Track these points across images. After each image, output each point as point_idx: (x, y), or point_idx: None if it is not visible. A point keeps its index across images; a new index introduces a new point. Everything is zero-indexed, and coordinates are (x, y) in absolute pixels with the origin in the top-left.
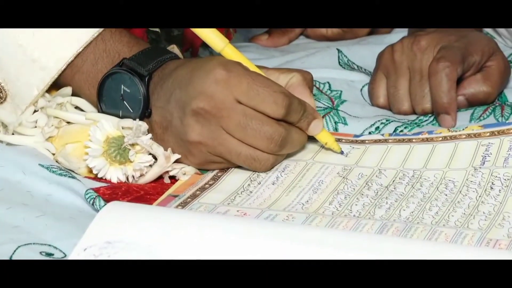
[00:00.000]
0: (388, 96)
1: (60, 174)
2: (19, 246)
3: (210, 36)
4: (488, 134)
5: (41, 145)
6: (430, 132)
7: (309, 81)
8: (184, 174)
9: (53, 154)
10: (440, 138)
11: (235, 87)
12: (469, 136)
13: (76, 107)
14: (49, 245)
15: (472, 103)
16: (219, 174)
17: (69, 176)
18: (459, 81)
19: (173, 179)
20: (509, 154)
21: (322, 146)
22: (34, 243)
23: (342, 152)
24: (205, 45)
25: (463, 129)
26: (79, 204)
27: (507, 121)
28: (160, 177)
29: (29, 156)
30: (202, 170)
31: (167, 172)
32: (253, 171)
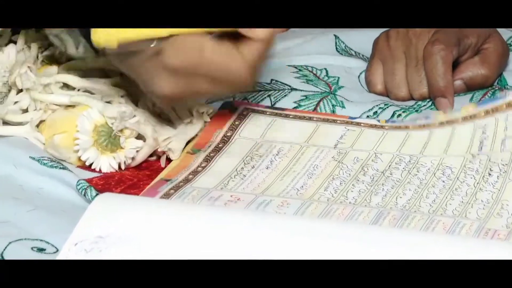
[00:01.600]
0: (385, 83)
1: (51, 166)
2: (10, 242)
3: None
4: (483, 113)
5: (31, 134)
6: (427, 117)
7: None
8: (171, 151)
9: (44, 144)
10: (437, 124)
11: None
12: (465, 119)
13: (64, 84)
14: (41, 240)
15: (470, 87)
16: (211, 155)
17: (60, 168)
18: (456, 64)
19: (168, 160)
20: (506, 135)
21: (317, 127)
22: (25, 239)
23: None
24: None
25: (459, 112)
26: (71, 197)
27: (499, 97)
28: (150, 163)
29: (19, 148)
30: (194, 149)
31: (156, 150)
32: (248, 144)
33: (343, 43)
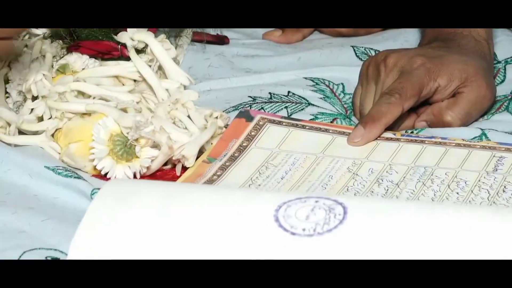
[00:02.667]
0: (360, 107)
1: (66, 176)
2: (24, 252)
3: None
4: (503, 149)
5: (46, 143)
6: (443, 138)
7: None
8: (185, 158)
9: (60, 152)
10: (454, 144)
11: None
12: (483, 147)
13: (79, 92)
14: (55, 249)
15: (435, 127)
16: (227, 164)
17: (75, 177)
18: (426, 103)
19: (183, 169)
20: None
21: (333, 139)
22: (39, 248)
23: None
24: None
25: (477, 141)
26: (86, 206)
27: None
28: (165, 172)
29: (35, 158)
30: (210, 157)
31: (171, 158)
32: (263, 154)
33: (362, 47)
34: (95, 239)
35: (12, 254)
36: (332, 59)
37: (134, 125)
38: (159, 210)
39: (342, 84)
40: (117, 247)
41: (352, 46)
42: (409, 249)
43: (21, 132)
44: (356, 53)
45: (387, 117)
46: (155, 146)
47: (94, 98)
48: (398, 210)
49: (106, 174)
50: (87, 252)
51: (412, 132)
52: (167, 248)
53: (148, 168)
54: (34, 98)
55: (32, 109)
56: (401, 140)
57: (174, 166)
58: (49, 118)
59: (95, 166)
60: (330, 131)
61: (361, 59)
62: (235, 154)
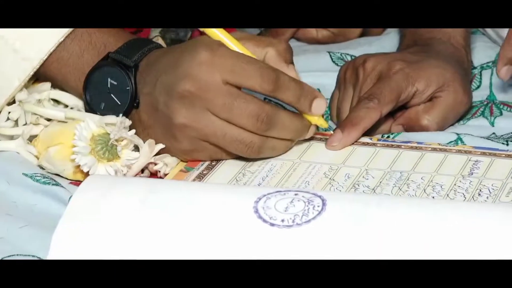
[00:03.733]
0: (337, 110)
1: (44, 183)
2: (2, 258)
3: None
4: (479, 153)
5: (23, 148)
6: (419, 143)
7: (284, 52)
8: (166, 165)
9: (37, 157)
10: (430, 149)
11: (220, 66)
12: (459, 151)
13: (56, 101)
14: (33, 255)
15: (411, 131)
16: (204, 172)
17: (53, 184)
18: (402, 107)
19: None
20: (496, 178)
21: (310, 145)
22: (17, 254)
23: (328, 128)
24: None
25: (453, 145)
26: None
27: (499, 148)
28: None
29: (12, 164)
30: (188, 167)
31: (153, 163)
32: (246, 163)
33: (338, 52)
34: (77, 230)
35: None
36: (308, 65)
37: (118, 123)
38: (141, 202)
39: (318, 89)
40: (99, 239)
41: (328, 52)
42: (386, 238)
43: None
44: (332, 59)
45: (365, 122)
46: (136, 150)
47: (71, 108)
48: (376, 202)
49: (87, 173)
50: (69, 245)
51: (388, 137)
52: (149, 239)
53: (129, 167)
54: (10, 104)
55: (8, 113)
56: (377, 145)
57: (151, 174)
58: (24, 124)
59: (77, 165)
60: (307, 137)
61: (337, 64)
62: (212, 163)
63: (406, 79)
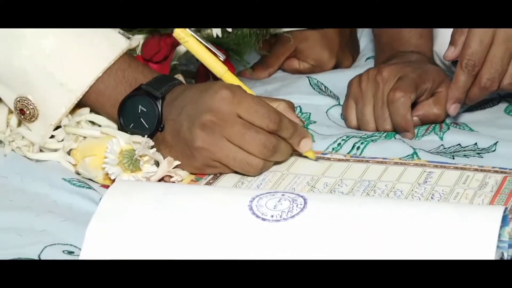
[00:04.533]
0: (358, 120)
1: (80, 186)
2: (45, 246)
3: (213, 64)
4: (432, 166)
5: (63, 158)
6: (384, 158)
7: (292, 107)
8: (179, 175)
9: (74, 165)
10: (392, 162)
11: (238, 104)
12: (416, 164)
13: (92, 122)
14: (71, 244)
15: (425, 122)
16: (210, 182)
17: (87, 187)
18: (415, 104)
19: None
20: (446, 185)
21: (296, 160)
22: (58, 243)
23: (316, 159)
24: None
25: (411, 159)
26: (95, 211)
27: (448, 162)
28: None
29: (54, 171)
30: (197, 177)
31: (169, 176)
32: (245, 175)
33: (315, 79)
34: (106, 225)
35: (35, 248)
36: (291, 89)
37: (143, 142)
38: (157, 202)
39: (300, 106)
40: (123, 232)
41: (307, 77)
42: (358, 230)
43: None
44: (310, 84)
45: (408, 112)
46: (156, 164)
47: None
48: (347, 200)
49: (113, 180)
50: (100, 238)
51: (362, 153)
52: (164, 231)
53: (148, 179)
54: (56, 129)
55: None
56: (350, 160)
57: None
58: (63, 140)
59: (106, 173)
60: (294, 154)
61: (314, 88)
62: (217, 175)
63: (419, 78)
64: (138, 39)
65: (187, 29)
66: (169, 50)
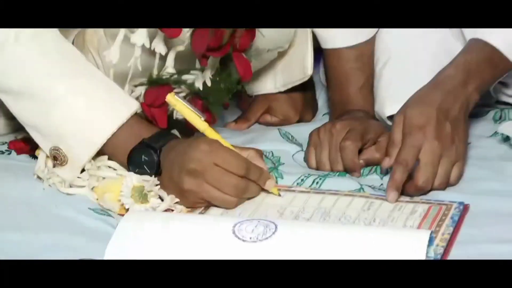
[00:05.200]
0: (316, 162)
1: (102, 214)
2: (73, 258)
3: (196, 122)
4: (374, 197)
5: (89, 194)
6: (336, 190)
7: (260, 154)
8: (177, 208)
9: (96, 199)
10: (343, 194)
11: (215, 155)
12: (361, 196)
13: (109, 167)
14: (93, 258)
15: (369, 164)
16: (202, 212)
17: (107, 215)
18: (362, 150)
19: None
20: (385, 212)
21: (268, 193)
22: (84, 258)
23: (280, 195)
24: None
25: (358, 192)
26: (114, 232)
27: (386, 194)
28: None
29: (82, 202)
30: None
31: (171, 210)
32: (225, 208)
33: (284, 130)
34: (122, 245)
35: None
36: (265, 138)
37: (151, 181)
38: (163, 226)
39: (272, 151)
40: (137, 246)
41: (278, 129)
42: (317, 248)
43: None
44: (280, 134)
45: (355, 157)
46: (161, 199)
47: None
48: (308, 225)
49: (127, 210)
50: (117, 251)
51: (320, 187)
52: (166, 248)
53: (154, 209)
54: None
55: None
56: (310, 192)
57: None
58: (87, 179)
59: (122, 204)
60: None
61: (283, 138)
62: (207, 206)
63: (364, 131)
64: (140, 90)
65: (175, 96)
66: (166, 97)
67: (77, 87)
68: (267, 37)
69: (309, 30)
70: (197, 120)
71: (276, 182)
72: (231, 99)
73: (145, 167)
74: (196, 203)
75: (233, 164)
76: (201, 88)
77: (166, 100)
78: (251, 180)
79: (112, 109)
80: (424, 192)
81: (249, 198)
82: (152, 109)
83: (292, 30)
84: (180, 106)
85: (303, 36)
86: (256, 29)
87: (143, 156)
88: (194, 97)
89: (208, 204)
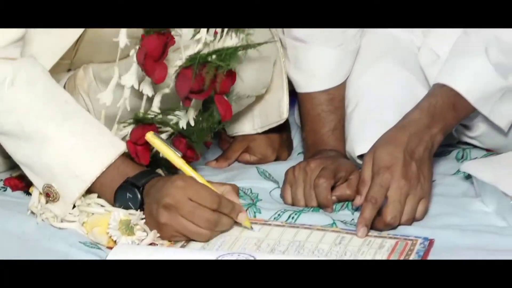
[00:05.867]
0: (292, 199)
1: (91, 247)
2: None
3: (174, 159)
4: (344, 232)
5: (79, 228)
6: (310, 225)
7: (236, 190)
8: (162, 243)
9: (87, 233)
10: (316, 228)
11: (189, 191)
12: (333, 230)
13: (98, 203)
14: None
15: (341, 200)
16: (184, 244)
17: (97, 248)
18: (334, 187)
19: None
20: (355, 246)
21: (244, 229)
22: None
23: (252, 228)
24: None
25: (330, 227)
26: None
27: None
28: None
29: (73, 236)
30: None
31: (155, 244)
32: (200, 242)
33: (262, 168)
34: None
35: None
36: (244, 176)
37: (136, 215)
38: (147, 258)
39: (250, 189)
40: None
41: (256, 167)
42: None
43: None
44: (258, 172)
45: (328, 194)
46: (146, 232)
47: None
48: (284, 257)
49: (115, 242)
50: None
51: (295, 222)
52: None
53: (140, 241)
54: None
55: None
56: (286, 226)
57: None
58: (78, 215)
59: (110, 236)
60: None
61: (260, 175)
62: (188, 240)
63: (336, 169)
64: (128, 129)
65: (154, 134)
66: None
67: (67, 129)
68: (246, 83)
69: (285, 75)
70: (174, 157)
71: (254, 216)
72: (213, 138)
73: (130, 204)
74: (173, 236)
75: (205, 198)
76: (185, 128)
77: (145, 138)
78: (223, 213)
79: (100, 150)
80: (392, 227)
81: (224, 231)
82: (137, 147)
83: (269, 76)
84: (159, 144)
85: (279, 82)
86: (236, 74)
87: (127, 194)
88: (178, 136)
89: (182, 239)
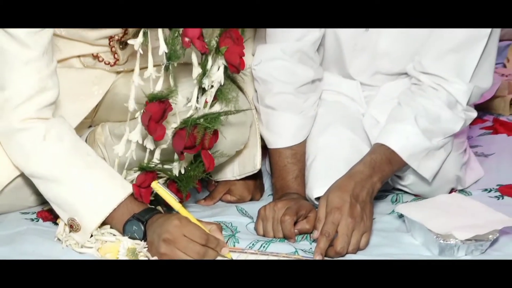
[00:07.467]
0: (263, 231)
1: None
2: None
3: (173, 202)
4: (305, 259)
5: (95, 253)
6: (277, 252)
7: (220, 228)
8: None
9: (101, 257)
10: (282, 256)
11: (184, 229)
12: (296, 258)
13: (110, 233)
14: None
15: (302, 233)
16: None
17: None
18: (296, 223)
19: None
20: None
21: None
22: None
23: (231, 258)
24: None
25: (293, 254)
26: None
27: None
28: None
29: (90, 259)
30: None
31: None
32: None
33: (240, 206)
34: None
35: None
36: (226, 212)
37: (141, 245)
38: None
39: (231, 223)
40: None
41: (235, 205)
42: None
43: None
44: (237, 209)
45: (292, 228)
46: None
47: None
48: None
49: None
50: None
51: (266, 250)
52: None
53: None
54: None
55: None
56: (258, 253)
57: None
58: (94, 242)
59: None
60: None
61: (239, 212)
62: None
63: (298, 208)
64: (134, 176)
65: (158, 183)
66: (152, 180)
67: (88, 175)
68: (229, 141)
69: (258, 135)
70: (173, 202)
71: (234, 245)
72: (202, 183)
73: (135, 234)
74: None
75: (196, 236)
76: (177, 175)
77: (151, 186)
78: (210, 247)
79: (113, 191)
80: (341, 255)
81: None
82: (141, 189)
83: (246, 136)
84: (161, 191)
85: (254, 140)
86: (220, 134)
87: (133, 226)
88: (171, 181)
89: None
